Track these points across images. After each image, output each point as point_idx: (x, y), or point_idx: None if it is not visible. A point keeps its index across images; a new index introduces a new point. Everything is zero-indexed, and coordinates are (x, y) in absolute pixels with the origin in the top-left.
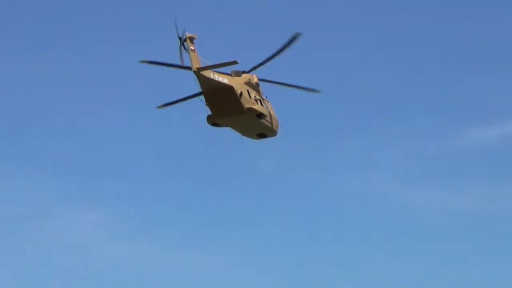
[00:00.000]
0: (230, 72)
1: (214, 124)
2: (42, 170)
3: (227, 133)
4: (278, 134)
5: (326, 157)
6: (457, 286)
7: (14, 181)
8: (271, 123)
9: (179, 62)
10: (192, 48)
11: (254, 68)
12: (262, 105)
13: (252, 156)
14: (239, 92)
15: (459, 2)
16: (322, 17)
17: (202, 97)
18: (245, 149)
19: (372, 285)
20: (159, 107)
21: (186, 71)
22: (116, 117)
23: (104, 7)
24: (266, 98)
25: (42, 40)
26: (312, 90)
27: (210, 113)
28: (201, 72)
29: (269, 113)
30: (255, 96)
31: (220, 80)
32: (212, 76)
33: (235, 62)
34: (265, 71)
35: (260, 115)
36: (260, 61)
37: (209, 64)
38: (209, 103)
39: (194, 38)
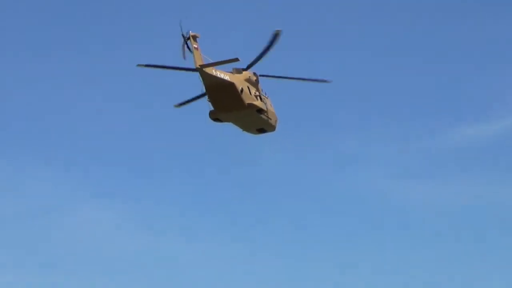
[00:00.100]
0: (231, 70)
1: (216, 119)
2: (60, 168)
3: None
4: (276, 129)
5: (325, 153)
6: (457, 281)
7: (36, 177)
8: (270, 118)
9: (181, 57)
10: (195, 46)
11: (251, 65)
12: (261, 101)
13: (253, 152)
14: (240, 88)
15: (459, 2)
16: (322, 17)
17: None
18: (246, 145)
19: (372, 280)
20: (176, 106)
21: (187, 72)
22: (123, 116)
23: (104, 7)
24: (266, 95)
25: (42, 40)
26: (324, 80)
27: (212, 109)
28: (203, 69)
29: (268, 109)
30: (255, 93)
31: (221, 76)
32: (214, 73)
33: (236, 60)
34: (269, 68)
35: (260, 111)
36: (254, 58)
37: (212, 61)
38: (211, 99)
39: (197, 37)
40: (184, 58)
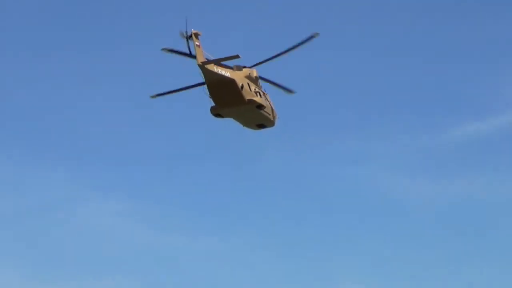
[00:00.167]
0: (232, 66)
1: (217, 115)
2: (60, 167)
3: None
4: (276, 124)
5: (325, 151)
6: (458, 279)
7: (36, 176)
8: (270, 114)
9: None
10: (197, 43)
11: (257, 64)
12: (261, 97)
13: (254, 150)
14: (240, 84)
15: (459, 2)
16: (322, 17)
17: (206, 90)
18: (247, 143)
19: (372, 279)
20: (152, 96)
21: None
22: (123, 116)
23: (104, 7)
24: (265, 91)
25: (42, 40)
26: (289, 90)
27: (213, 104)
28: (205, 66)
29: (268, 104)
30: (255, 89)
31: (222, 73)
32: (215, 70)
33: (237, 56)
34: (270, 68)
35: (260, 106)
36: (264, 58)
37: (213, 58)
38: (212, 95)
39: (198, 34)
40: (191, 54)
